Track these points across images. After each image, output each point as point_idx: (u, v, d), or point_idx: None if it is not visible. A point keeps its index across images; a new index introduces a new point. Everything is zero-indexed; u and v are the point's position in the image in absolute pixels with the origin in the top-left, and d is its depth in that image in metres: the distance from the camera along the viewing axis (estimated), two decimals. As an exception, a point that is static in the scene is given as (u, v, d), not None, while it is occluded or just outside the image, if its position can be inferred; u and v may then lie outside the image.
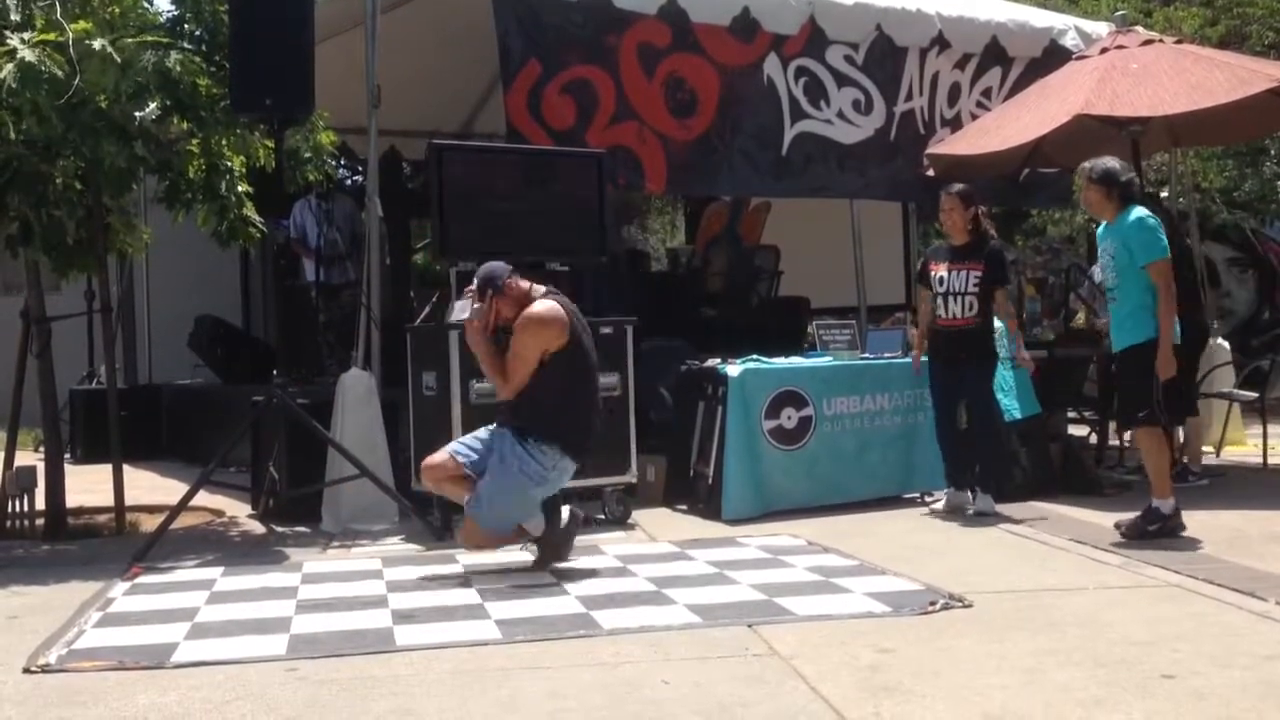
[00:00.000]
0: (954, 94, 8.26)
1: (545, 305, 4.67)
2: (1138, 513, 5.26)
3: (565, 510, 4.80)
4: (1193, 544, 5.09)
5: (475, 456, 4.69)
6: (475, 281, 4.76)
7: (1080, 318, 9.08)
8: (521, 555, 5.01)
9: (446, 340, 5.57)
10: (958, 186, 6.11)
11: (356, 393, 5.95)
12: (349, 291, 8.89)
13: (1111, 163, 5.34)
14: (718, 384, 6.15)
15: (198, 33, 5.76)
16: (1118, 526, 5.25)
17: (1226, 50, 9.32)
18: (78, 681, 3.36)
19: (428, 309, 6.24)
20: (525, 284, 4.76)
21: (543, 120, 6.71)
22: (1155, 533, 5.11)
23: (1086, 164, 5.38)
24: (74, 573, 4.84)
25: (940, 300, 6.02)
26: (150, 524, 5.84)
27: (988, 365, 6.04)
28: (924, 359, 6.30)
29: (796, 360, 6.67)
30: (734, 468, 5.96)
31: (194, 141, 5.69)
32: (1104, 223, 5.42)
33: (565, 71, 6.78)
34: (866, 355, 6.72)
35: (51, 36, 4.90)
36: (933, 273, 6.08)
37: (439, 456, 4.77)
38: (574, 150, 6.48)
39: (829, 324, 6.97)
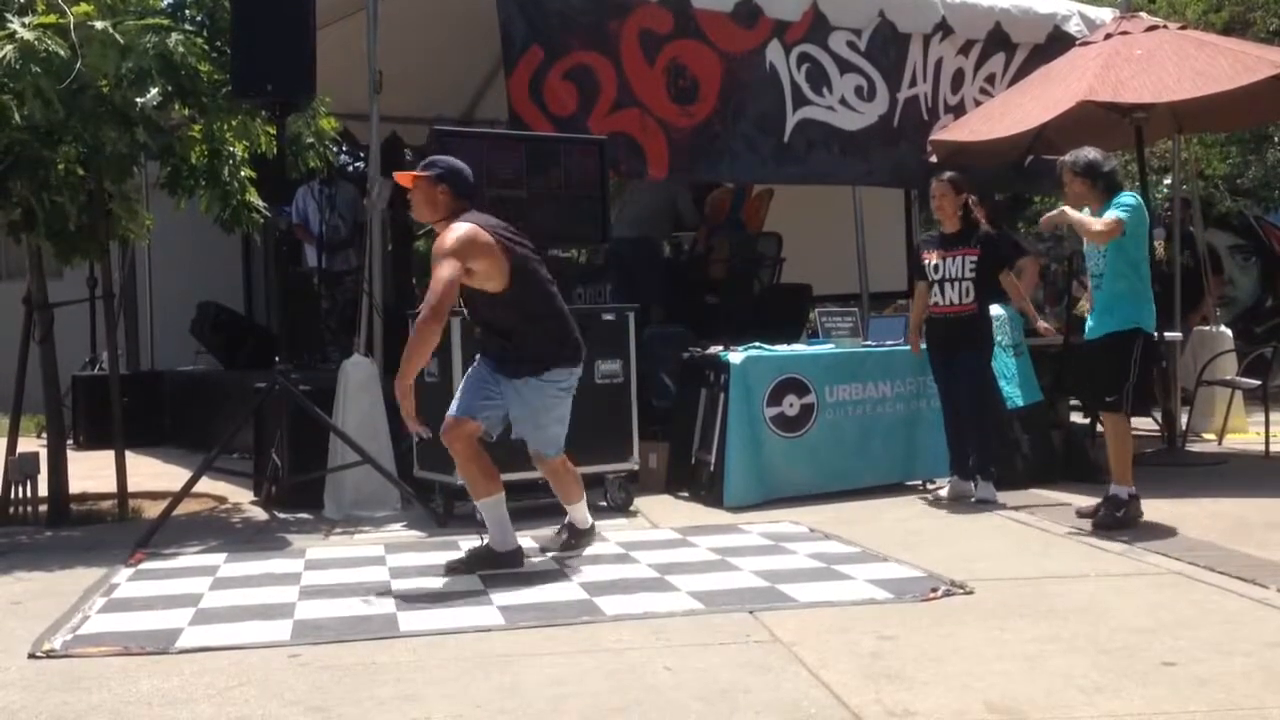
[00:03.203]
0: (958, 80, 8.24)
1: (458, 230, 4.30)
2: (1098, 501, 5.32)
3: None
4: (1193, 531, 5.09)
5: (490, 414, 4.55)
6: (431, 161, 4.53)
7: (1083, 304, 9.08)
8: (521, 541, 5.02)
9: (449, 327, 5.56)
10: (948, 173, 6.12)
11: (359, 379, 5.95)
12: (351, 278, 8.89)
13: (1093, 154, 5.36)
14: (720, 371, 6.15)
15: (199, 18, 5.76)
16: (1085, 516, 5.31)
17: (1230, 36, 9.30)
18: (82, 666, 3.37)
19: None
20: (458, 204, 4.42)
21: (544, 107, 6.70)
22: (1121, 520, 5.15)
23: (1067, 157, 5.40)
24: (77, 558, 4.85)
25: (936, 288, 6.02)
26: (153, 510, 5.85)
27: (984, 352, 6.04)
28: (923, 347, 6.31)
29: (799, 347, 6.67)
30: (736, 455, 5.97)
31: (196, 127, 5.68)
32: (1088, 212, 5.43)
33: (567, 57, 6.76)
34: (869, 343, 6.71)
35: (52, 19, 4.90)
36: (926, 261, 6.08)
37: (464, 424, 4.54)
38: (576, 137, 6.47)
39: (831, 311, 6.96)
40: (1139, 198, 5.40)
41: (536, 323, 4.48)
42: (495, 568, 4.49)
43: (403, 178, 4.56)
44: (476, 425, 4.50)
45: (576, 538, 4.82)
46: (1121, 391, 5.26)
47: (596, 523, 5.48)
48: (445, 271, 4.22)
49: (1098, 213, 5.33)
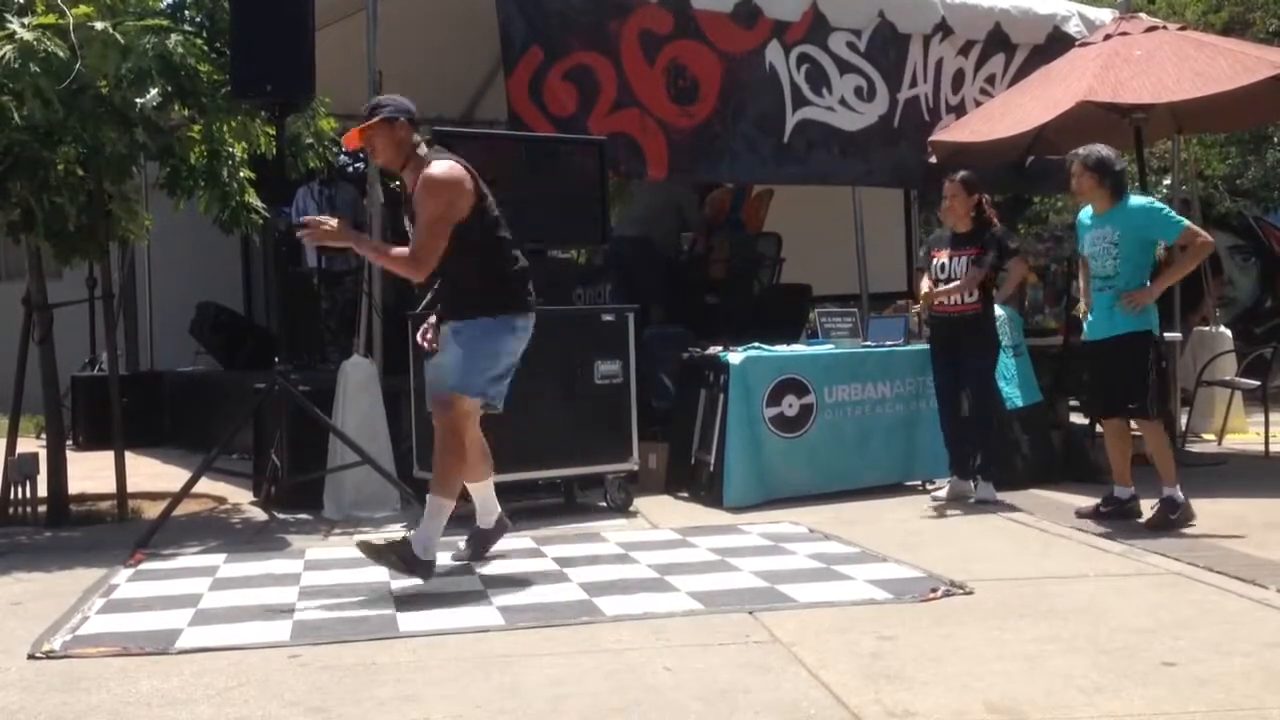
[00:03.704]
0: (958, 81, 8.24)
1: (443, 165, 4.25)
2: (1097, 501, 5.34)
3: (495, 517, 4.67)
4: (1193, 531, 5.10)
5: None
6: (377, 104, 4.36)
7: (1082, 305, 9.07)
8: (521, 541, 5.02)
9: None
10: (961, 173, 6.10)
11: (358, 380, 5.95)
12: (351, 278, 8.89)
13: (1105, 151, 5.39)
14: (719, 371, 6.15)
15: (198, 18, 5.76)
16: (1085, 516, 5.40)
17: (1230, 37, 9.30)
18: (81, 667, 3.37)
19: (430, 296, 6.24)
20: (417, 138, 4.37)
21: (544, 107, 6.70)
22: (1176, 520, 5.16)
23: (1080, 150, 5.42)
24: (77, 559, 4.85)
25: (941, 287, 6.01)
26: (152, 511, 5.85)
27: (988, 353, 6.04)
28: (924, 347, 6.32)
29: (798, 348, 6.68)
30: (735, 455, 5.97)
31: (195, 128, 5.68)
32: (1091, 212, 5.46)
33: (567, 58, 6.76)
34: (868, 343, 6.72)
35: (52, 20, 4.91)
36: (934, 259, 6.08)
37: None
38: (575, 137, 6.47)
39: (831, 311, 6.97)
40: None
41: (475, 259, 4.29)
42: (407, 570, 4.19)
43: (352, 138, 4.35)
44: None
45: (482, 542, 4.65)
46: (1146, 397, 5.29)
47: (597, 524, 5.49)
48: (434, 210, 4.15)
49: (1106, 213, 5.32)
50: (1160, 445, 5.31)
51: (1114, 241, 5.31)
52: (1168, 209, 5.45)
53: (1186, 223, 5.37)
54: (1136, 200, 5.39)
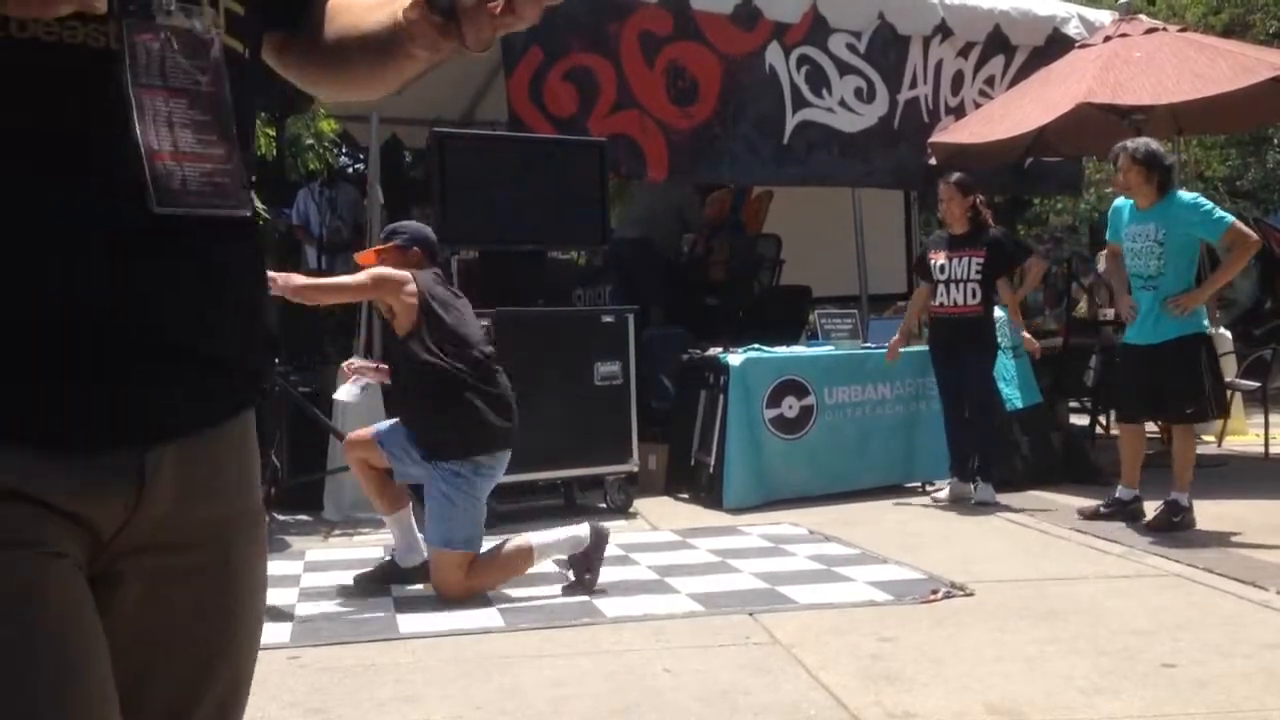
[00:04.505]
0: (957, 82, 8.25)
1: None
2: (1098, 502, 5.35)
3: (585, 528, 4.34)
4: (1194, 533, 5.10)
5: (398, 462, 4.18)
6: (394, 229, 4.29)
7: (1082, 307, 9.07)
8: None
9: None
10: (955, 175, 6.11)
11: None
12: (350, 279, 8.88)
13: (1155, 145, 5.32)
14: (719, 373, 6.15)
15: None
16: (1087, 517, 5.41)
17: (1230, 39, 9.31)
18: (81, 668, 3.36)
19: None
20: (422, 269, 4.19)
21: (544, 108, 6.71)
22: (1178, 524, 5.16)
23: (1128, 143, 5.28)
24: (76, 560, 4.84)
25: (941, 288, 6.02)
26: (152, 512, 5.85)
27: (988, 354, 6.04)
28: (924, 348, 6.32)
29: (798, 349, 6.68)
30: (735, 456, 5.97)
31: (195, 129, 5.68)
32: (1130, 207, 5.32)
33: (567, 59, 6.77)
34: (868, 344, 6.72)
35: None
36: (932, 261, 6.08)
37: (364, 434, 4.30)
38: (575, 138, 6.47)
39: (831, 313, 6.97)
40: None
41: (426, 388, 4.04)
42: (402, 582, 4.28)
43: (366, 256, 4.29)
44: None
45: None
46: (1200, 402, 5.22)
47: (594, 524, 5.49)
48: (378, 272, 4.09)
49: (1151, 208, 5.19)
50: (1189, 451, 5.28)
51: (1158, 240, 5.15)
52: (1213, 205, 5.32)
53: (1232, 220, 5.26)
54: (1183, 195, 5.28)
